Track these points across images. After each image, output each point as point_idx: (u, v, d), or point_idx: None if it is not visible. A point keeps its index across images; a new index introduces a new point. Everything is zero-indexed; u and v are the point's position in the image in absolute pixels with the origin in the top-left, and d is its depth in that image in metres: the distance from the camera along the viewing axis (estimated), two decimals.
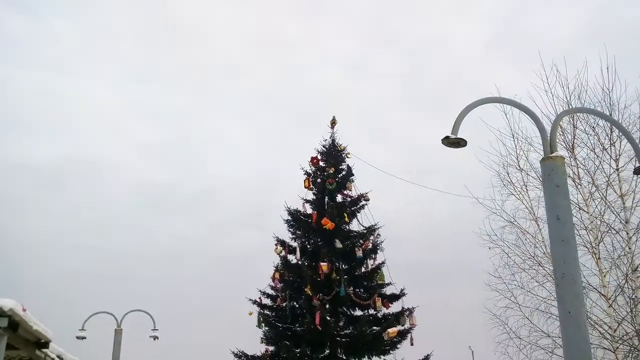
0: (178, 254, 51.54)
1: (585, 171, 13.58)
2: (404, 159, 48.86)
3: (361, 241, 19.48)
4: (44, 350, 8.37)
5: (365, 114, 58.38)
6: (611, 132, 13.20)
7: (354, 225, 20.24)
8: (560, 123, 12.95)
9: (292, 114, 64.21)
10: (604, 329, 12.59)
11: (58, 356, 8.97)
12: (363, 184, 20.71)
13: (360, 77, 62.84)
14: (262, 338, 18.68)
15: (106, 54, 64.78)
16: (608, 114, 13.04)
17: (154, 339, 20.08)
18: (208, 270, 49.35)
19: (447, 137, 6.31)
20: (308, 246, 19.81)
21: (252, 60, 65.82)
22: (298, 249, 19.43)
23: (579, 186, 13.52)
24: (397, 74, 63.38)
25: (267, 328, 18.64)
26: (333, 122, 21.50)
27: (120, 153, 60.05)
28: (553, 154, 6.18)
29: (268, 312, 19.00)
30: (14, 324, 7.71)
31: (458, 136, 6.33)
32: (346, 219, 19.67)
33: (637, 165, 6.90)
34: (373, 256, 19.53)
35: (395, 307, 18.94)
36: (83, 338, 19.01)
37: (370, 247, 19.46)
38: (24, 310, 7.80)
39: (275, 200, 47.92)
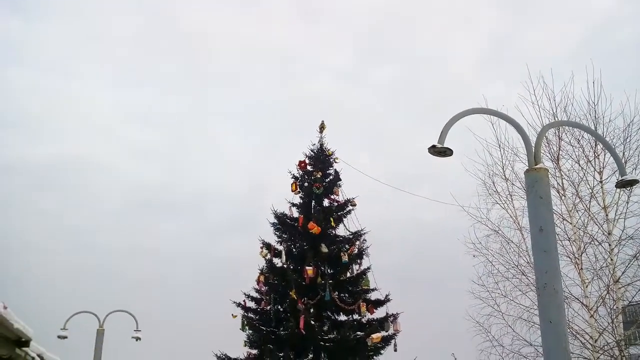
0: (165, 256, 51.37)
1: (570, 182, 13.71)
2: (393, 165, 49.10)
3: (347, 246, 19.51)
4: (24, 349, 8.28)
5: (358, 121, 58.74)
6: (595, 145, 13.34)
7: (340, 230, 20.28)
8: (546, 134, 13.07)
9: (286, 121, 64.44)
10: (585, 339, 12.69)
11: (38, 355, 8.88)
12: (351, 189, 20.77)
13: (355, 86, 63.20)
14: (245, 341, 18.61)
15: (103, 56, 64.64)
16: (593, 127, 13.19)
17: (137, 340, 19.98)
18: (194, 272, 49.21)
19: (433, 146, 6.38)
20: (294, 250, 19.79)
21: (248, 67, 66.06)
22: (284, 252, 19.43)
23: (563, 197, 13.65)
24: (391, 83, 63.80)
25: (250, 331, 18.58)
26: (322, 127, 21.53)
27: (114, 155, 59.83)
28: (537, 166, 6.26)
29: (252, 315, 18.94)
30: None
31: (445, 145, 6.40)
32: (332, 223, 19.67)
33: (620, 178, 7.00)
34: (358, 261, 19.57)
35: (379, 313, 19.00)
36: (64, 337, 18.85)
37: (356, 252, 19.49)
38: (5, 307, 7.72)
39: (265, 204, 47.98)
